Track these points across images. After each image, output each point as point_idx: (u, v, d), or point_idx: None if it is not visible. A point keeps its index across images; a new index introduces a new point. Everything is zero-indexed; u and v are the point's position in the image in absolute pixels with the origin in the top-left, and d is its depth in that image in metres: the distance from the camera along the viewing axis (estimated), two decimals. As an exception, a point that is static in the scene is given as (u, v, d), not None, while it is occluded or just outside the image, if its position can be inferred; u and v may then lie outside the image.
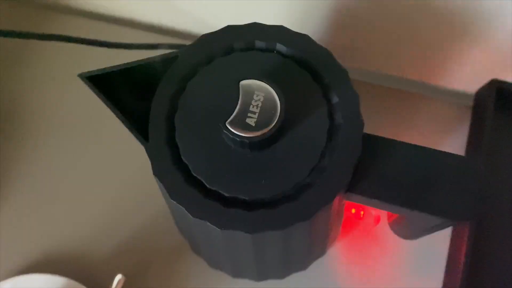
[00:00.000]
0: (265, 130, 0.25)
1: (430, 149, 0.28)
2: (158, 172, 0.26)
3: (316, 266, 0.42)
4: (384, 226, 0.43)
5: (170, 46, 0.42)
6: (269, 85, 0.25)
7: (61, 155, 0.47)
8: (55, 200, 0.45)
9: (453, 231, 0.43)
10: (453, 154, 0.28)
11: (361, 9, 0.43)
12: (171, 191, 0.26)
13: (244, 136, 0.25)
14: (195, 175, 0.26)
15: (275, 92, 0.25)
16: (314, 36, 0.47)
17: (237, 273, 0.40)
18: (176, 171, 0.26)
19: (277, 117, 0.25)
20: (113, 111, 0.27)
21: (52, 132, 0.48)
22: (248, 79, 0.25)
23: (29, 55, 0.50)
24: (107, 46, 0.38)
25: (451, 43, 0.45)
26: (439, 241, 0.43)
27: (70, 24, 0.52)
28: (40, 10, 0.53)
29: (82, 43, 0.37)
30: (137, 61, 0.28)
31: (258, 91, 0.25)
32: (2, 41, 0.49)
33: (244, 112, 0.25)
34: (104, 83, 0.27)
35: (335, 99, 0.27)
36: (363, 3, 0.43)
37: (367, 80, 0.49)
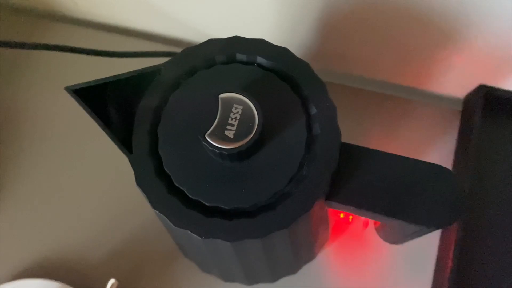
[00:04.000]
0: (243, 142, 0.25)
1: (406, 158, 0.29)
2: (141, 182, 0.27)
3: (306, 270, 0.42)
4: (372, 230, 0.43)
5: (162, 53, 0.42)
6: (247, 98, 0.26)
7: (54, 162, 0.47)
8: (48, 205, 0.46)
9: (441, 235, 0.44)
10: (430, 163, 0.28)
11: (349, 16, 0.44)
12: (154, 201, 0.27)
13: (223, 148, 0.25)
14: (177, 185, 0.27)
15: (253, 105, 0.26)
16: (303, 42, 0.48)
17: (227, 278, 0.40)
18: (159, 181, 0.27)
19: (255, 129, 0.25)
20: (97, 123, 0.27)
21: (46, 140, 0.48)
22: (227, 92, 0.26)
23: (24, 63, 0.51)
24: (99, 54, 0.39)
25: (439, 48, 0.45)
26: (428, 244, 0.44)
27: (64, 33, 0.52)
28: (33, 19, 0.53)
29: (73, 52, 0.38)
30: (122, 74, 0.28)
31: (237, 104, 0.26)
32: (-2, 51, 0.50)
33: (223, 124, 0.26)
34: (90, 95, 0.28)
35: (313, 110, 0.28)
36: (351, 10, 0.43)
37: (356, 86, 0.50)
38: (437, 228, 0.28)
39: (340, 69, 0.51)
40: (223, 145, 0.25)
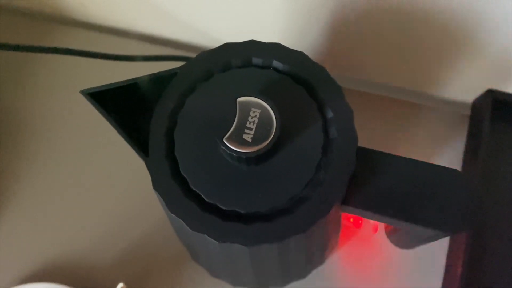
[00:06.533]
0: (261, 146, 0.25)
1: (422, 162, 0.29)
2: (157, 186, 0.27)
3: (315, 275, 0.42)
4: (382, 235, 0.43)
5: (174, 58, 0.42)
6: (265, 102, 0.26)
7: (63, 165, 0.47)
8: (57, 209, 0.46)
9: (450, 240, 0.44)
10: (445, 168, 0.28)
11: (358, 21, 0.44)
12: (170, 205, 0.27)
13: (241, 152, 0.25)
14: (193, 189, 0.27)
15: (271, 108, 0.26)
16: (313, 46, 0.48)
17: (236, 282, 0.40)
18: (175, 185, 0.27)
19: (273, 133, 0.25)
20: (114, 127, 0.27)
21: (54, 143, 0.48)
22: (245, 96, 0.26)
23: (32, 67, 0.51)
24: (108, 58, 0.39)
25: (448, 53, 0.45)
26: (437, 250, 0.44)
27: (72, 36, 0.52)
28: (41, 22, 0.53)
29: (84, 56, 0.38)
30: (138, 77, 0.28)
31: (255, 107, 0.26)
32: (5, 54, 0.50)
33: (241, 128, 0.26)
34: (105, 98, 0.28)
35: (329, 114, 0.28)
36: (360, 15, 0.43)
37: (365, 90, 0.50)
38: (453, 233, 0.28)
39: (349, 74, 0.51)
40: (241, 149, 0.25)
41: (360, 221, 0.44)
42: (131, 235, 0.45)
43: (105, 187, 0.46)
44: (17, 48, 0.36)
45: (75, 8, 0.53)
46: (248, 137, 0.25)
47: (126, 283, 0.41)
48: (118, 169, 0.47)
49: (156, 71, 0.29)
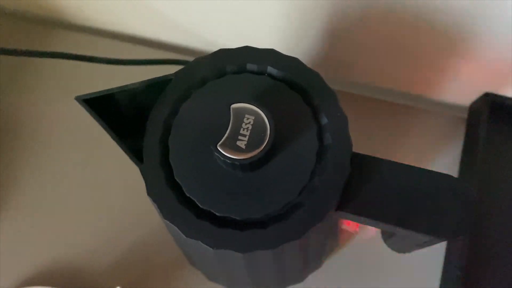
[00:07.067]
0: (255, 153, 0.25)
1: (417, 168, 0.29)
2: (152, 192, 0.27)
3: (313, 278, 0.42)
4: (379, 238, 0.43)
5: (169, 61, 0.42)
6: (259, 109, 0.26)
7: (60, 170, 0.47)
8: (54, 213, 0.46)
9: (448, 243, 0.44)
10: (440, 173, 0.28)
11: (356, 25, 0.44)
12: (165, 211, 0.27)
13: (235, 159, 0.25)
14: (188, 195, 0.27)
15: (265, 115, 0.26)
16: (309, 49, 0.48)
17: (234, 286, 0.40)
18: (170, 191, 0.27)
19: (267, 140, 0.25)
20: (108, 133, 0.27)
21: (52, 148, 0.48)
22: (239, 102, 0.26)
23: (29, 71, 0.51)
24: (106, 62, 0.38)
25: (445, 56, 0.45)
26: (435, 254, 0.44)
27: (69, 40, 0.52)
28: (38, 26, 0.53)
29: (80, 60, 0.37)
30: (133, 83, 0.28)
31: (249, 114, 0.26)
32: (1, 58, 0.50)
33: (235, 134, 0.25)
34: (100, 104, 0.28)
35: (324, 121, 0.28)
36: (358, 19, 0.43)
37: (361, 93, 0.50)
38: (448, 239, 0.28)
39: (344, 77, 0.51)
40: (235, 155, 0.25)
41: (357, 224, 0.44)
42: (129, 239, 0.45)
43: (102, 192, 0.46)
44: (14, 52, 0.36)
45: (73, 12, 0.53)
46: (242, 144, 0.25)
47: (123, 287, 0.41)
48: (116, 174, 0.47)
49: (152, 75, 0.29)
